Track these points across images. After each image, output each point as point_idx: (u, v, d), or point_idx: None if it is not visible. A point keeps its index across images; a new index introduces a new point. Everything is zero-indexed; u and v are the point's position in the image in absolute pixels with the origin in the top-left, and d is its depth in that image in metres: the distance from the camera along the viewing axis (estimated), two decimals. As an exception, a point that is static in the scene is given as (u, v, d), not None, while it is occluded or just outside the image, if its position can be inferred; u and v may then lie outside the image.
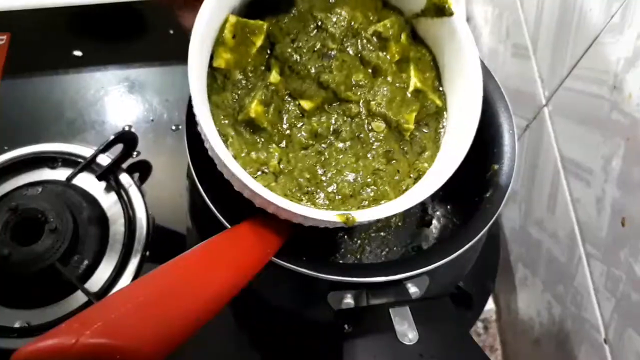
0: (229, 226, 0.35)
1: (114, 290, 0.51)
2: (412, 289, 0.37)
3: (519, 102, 0.57)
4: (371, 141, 0.38)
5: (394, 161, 0.38)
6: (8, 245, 0.48)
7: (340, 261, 0.47)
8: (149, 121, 0.63)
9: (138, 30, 0.69)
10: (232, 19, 0.35)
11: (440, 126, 0.40)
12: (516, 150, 0.42)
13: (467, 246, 0.37)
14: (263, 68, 0.37)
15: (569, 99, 0.48)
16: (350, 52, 0.38)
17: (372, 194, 0.36)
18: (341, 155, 0.37)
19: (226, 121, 0.35)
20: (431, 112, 0.39)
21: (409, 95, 0.39)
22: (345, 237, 0.49)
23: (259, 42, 0.36)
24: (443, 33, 0.38)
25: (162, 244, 0.55)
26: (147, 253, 0.54)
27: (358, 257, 0.48)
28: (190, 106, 0.40)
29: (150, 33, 0.69)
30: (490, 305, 0.64)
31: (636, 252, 0.38)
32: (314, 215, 0.32)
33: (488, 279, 0.55)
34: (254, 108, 0.34)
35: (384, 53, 0.38)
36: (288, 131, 0.36)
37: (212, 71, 0.35)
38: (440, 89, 0.40)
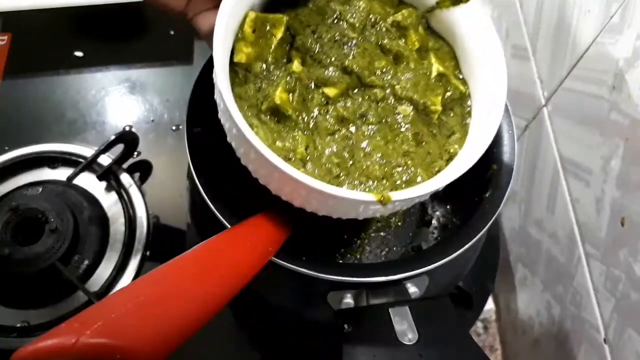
0: (229, 226, 0.35)
1: (114, 290, 0.52)
2: (412, 289, 0.37)
3: (519, 102, 0.57)
4: (399, 124, 0.37)
5: (424, 143, 0.37)
6: (8, 245, 0.48)
7: (340, 261, 0.47)
8: (149, 121, 0.63)
9: (139, 30, 0.70)
10: (252, 14, 0.35)
11: (466, 111, 0.39)
12: (516, 150, 0.42)
13: (467, 246, 0.37)
14: (285, 60, 0.37)
15: (568, 100, 0.48)
16: (371, 40, 0.38)
17: (404, 176, 0.35)
18: (369, 140, 0.36)
19: (249, 112, 0.35)
20: (455, 97, 0.39)
21: (432, 80, 0.38)
22: (345, 237, 0.49)
23: (279, 34, 0.36)
24: (459, 22, 0.38)
25: (163, 244, 0.55)
26: (148, 253, 0.54)
27: (358, 257, 0.48)
28: (190, 106, 0.40)
29: (151, 33, 0.69)
30: (490, 305, 0.65)
31: (635, 252, 0.38)
32: (349, 196, 0.31)
33: (488, 279, 0.55)
34: (279, 95, 0.34)
35: (404, 41, 0.38)
36: (313, 118, 0.36)
37: (233, 66, 0.35)
38: (461, 76, 0.40)
